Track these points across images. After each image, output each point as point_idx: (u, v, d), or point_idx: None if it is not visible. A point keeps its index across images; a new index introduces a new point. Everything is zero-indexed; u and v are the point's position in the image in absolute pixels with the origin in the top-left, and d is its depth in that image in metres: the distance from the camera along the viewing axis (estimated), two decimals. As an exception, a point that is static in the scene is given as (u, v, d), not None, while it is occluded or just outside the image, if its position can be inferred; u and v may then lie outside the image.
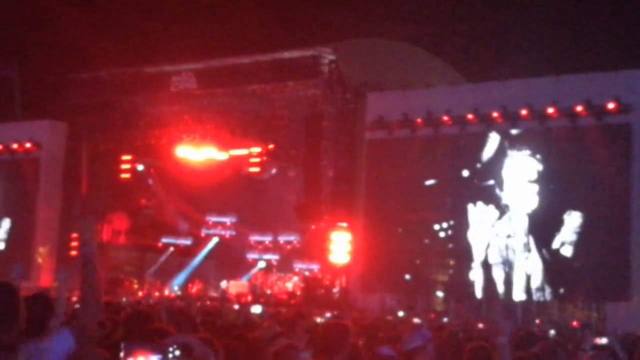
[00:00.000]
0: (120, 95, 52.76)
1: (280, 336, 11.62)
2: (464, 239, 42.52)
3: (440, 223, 43.33)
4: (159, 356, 4.59)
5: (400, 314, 32.32)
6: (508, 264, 41.21)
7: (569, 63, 43.36)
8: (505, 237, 41.35)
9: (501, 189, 41.81)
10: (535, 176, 40.92)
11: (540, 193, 40.68)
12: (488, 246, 41.83)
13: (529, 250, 40.66)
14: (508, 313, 40.65)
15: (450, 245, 43.04)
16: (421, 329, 10.91)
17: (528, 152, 41.22)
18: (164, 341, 4.79)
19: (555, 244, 39.89)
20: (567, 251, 39.68)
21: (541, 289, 40.42)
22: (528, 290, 40.70)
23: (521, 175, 41.25)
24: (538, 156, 40.89)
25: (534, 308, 41.10)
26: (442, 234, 43.32)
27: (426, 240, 43.77)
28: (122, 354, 4.68)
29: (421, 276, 43.81)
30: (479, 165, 42.40)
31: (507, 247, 41.32)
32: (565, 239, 39.63)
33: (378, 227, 44.77)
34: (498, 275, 41.44)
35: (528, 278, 40.58)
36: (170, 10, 56.41)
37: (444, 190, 43.42)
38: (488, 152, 42.21)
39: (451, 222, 43.09)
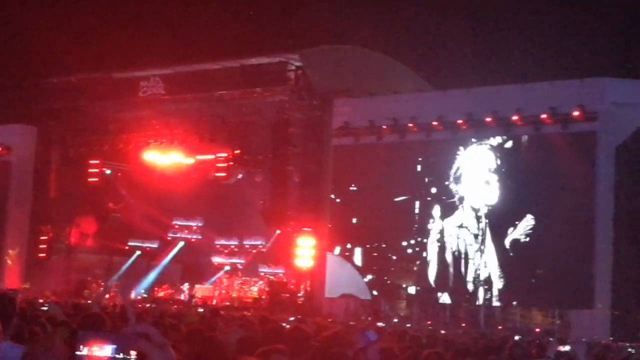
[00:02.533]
0: (89, 100, 51.21)
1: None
2: (428, 244, 40.86)
3: (406, 229, 41.59)
4: (114, 346, 4.36)
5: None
6: (467, 267, 39.63)
7: (534, 71, 42.66)
8: (462, 231, 39.94)
9: (458, 182, 40.36)
10: (495, 173, 39.35)
11: (501, 196, 39.08)
12: (451, 249, 40.25)
13: (485, 245, 39.14)
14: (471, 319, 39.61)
15: (417, 251, 41.24)
16: (367, 332, 10.40)
17: (488, 146, 39.62)
18: (122, 330, 4.76)
19: (519, 250, 38.18)
20: (531, 257, 37.94)
21: (504, 295, 38.68)
22: (491, 296, 39.01)
23: (480, 169, 39.73)
24: (499, 154, 39.21)
25: (497, 314, 39.69)
26: (407, 241, 41.56)
27: (391, 247, 42.03)
28: (77, 344, 4.42)
29: (385, 281, 42.15)
30: (446, 177, 40.69)
31: (464, 245, 39.82)
32: (530, 246, 37.88)
33: (343, 232, 43.25)
34: (459, 281, 39.84)
35: (491, 284, 38.90)
36: (138, 17, 55.86)
37: (411, 199, 41.76)
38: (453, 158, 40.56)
39: (416, 227, 41.39)
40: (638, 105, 36.74)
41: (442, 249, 40.42)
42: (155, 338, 4.68)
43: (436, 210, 40.72)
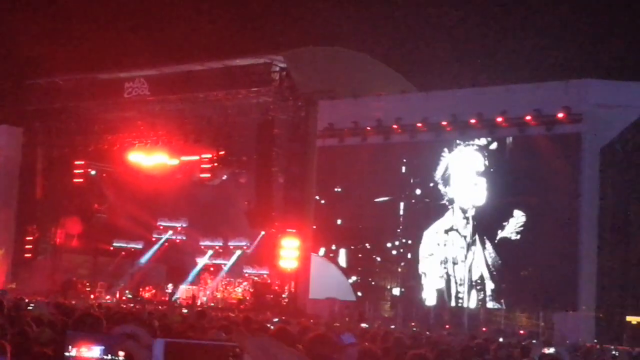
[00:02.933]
0: (75, 101, 50.58)
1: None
2: (414, 245, 40.19)
3: (390, 230, 40.97)
4: (102, 347, 4.29)
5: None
6: (453, 268, 39.03)
7: (519, 72, 42.13)
8: (451, 233, 39.28)
9: (447, 184, 39.71)
10: (482, 174, 38.69)
11: (488, 198, 38.39)
12: (435, 252, 39.63)
13: (473, 247, 38.51)
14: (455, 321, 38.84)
15: (401, 252, 40.61)
16: (343, 335, 10.42)
17: (475, 147, 38.98)
18: (112, 331, 4.59)
19: (503, 252, 37.57)
20: (516, 259, 37.30)
21: (489, 297, 38.12)
22: (475, 298, 38.45)
23: (468, 170, 39.06)
24: (486, 155, 38.55)
25: (482, 316, 38.93)
26: (391, 242, 40.94)
27: (375, 248, 41.38)
28: (66, 344, 4.33)
29: (370, 282, 41.62)
30: (431, 178, 40.05)
31: (453, 248, 39.21)
32: (515, 248, 37.20)
33: (328, 233, 42.56)
34: (445, 283, 39.24)
35: (475, 286, 38.30)
36: (123, 18, 55.38)
37: (396, 200, 41.09)
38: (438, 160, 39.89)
39: (401, 229, 40.74)
40: (623, 106, 36.13)
41: (430, 252, 39.83)
42: (142, 339, 4.59)
43: (424, 212, 40.11)
